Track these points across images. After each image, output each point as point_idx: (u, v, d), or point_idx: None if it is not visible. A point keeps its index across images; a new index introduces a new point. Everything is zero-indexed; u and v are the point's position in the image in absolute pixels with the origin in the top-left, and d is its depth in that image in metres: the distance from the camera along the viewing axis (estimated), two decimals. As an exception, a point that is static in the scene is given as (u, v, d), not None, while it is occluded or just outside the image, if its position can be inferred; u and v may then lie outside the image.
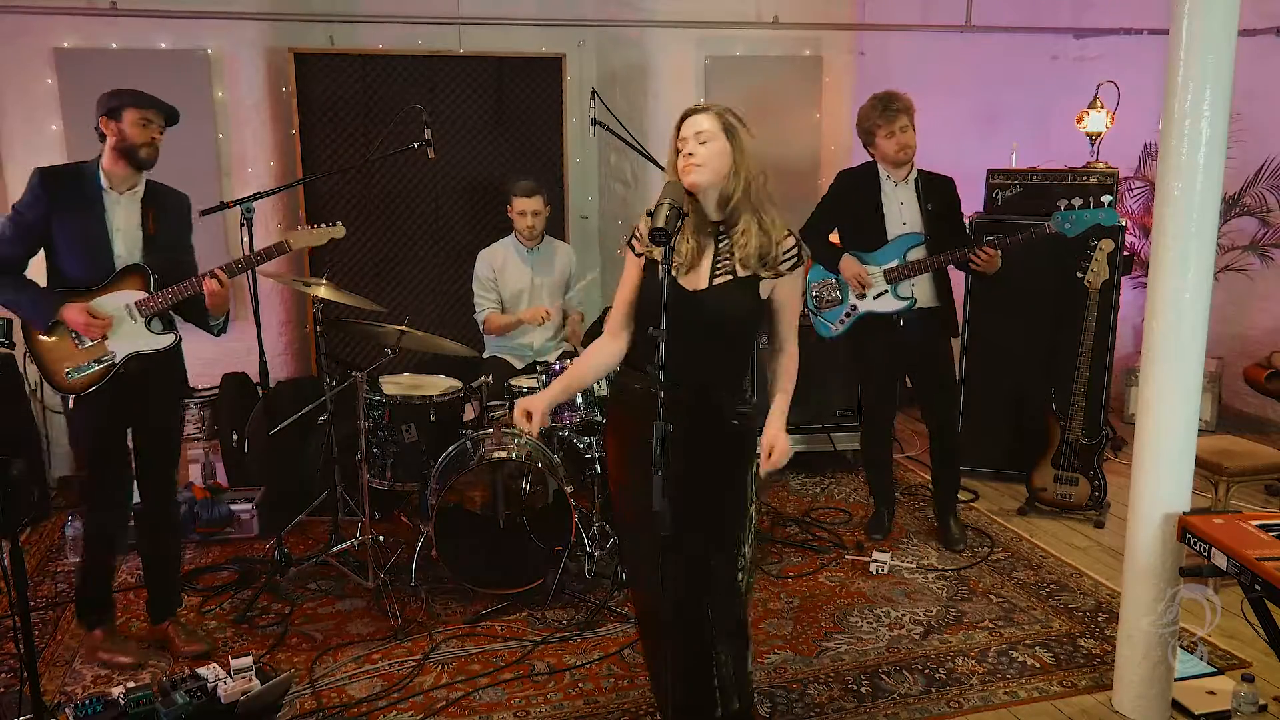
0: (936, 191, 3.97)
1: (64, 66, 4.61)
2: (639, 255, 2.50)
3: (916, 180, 3.96)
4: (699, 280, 2.42)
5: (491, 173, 5.11)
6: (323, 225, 3.49)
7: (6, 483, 2.41)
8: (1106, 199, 3.81)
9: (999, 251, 3.79)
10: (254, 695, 2.81)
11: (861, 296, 4.01)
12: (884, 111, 3.83)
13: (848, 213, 4.05)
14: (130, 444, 3.26)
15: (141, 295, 3.09)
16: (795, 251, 2.43)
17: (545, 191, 4.40)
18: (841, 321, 4.10)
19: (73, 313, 2.99)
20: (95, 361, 3.06)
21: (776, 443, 2.44)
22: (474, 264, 4.48)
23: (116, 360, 3.08)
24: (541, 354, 4.42)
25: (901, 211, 3.95)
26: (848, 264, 3.98)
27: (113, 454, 3.19)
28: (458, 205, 5.13)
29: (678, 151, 2.41)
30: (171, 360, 3.23)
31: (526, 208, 4.34)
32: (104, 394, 3.08)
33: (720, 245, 2.44)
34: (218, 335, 3.28)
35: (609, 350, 2.58)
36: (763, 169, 2.43)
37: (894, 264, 3.94)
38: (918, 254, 3.93)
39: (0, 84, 4.62)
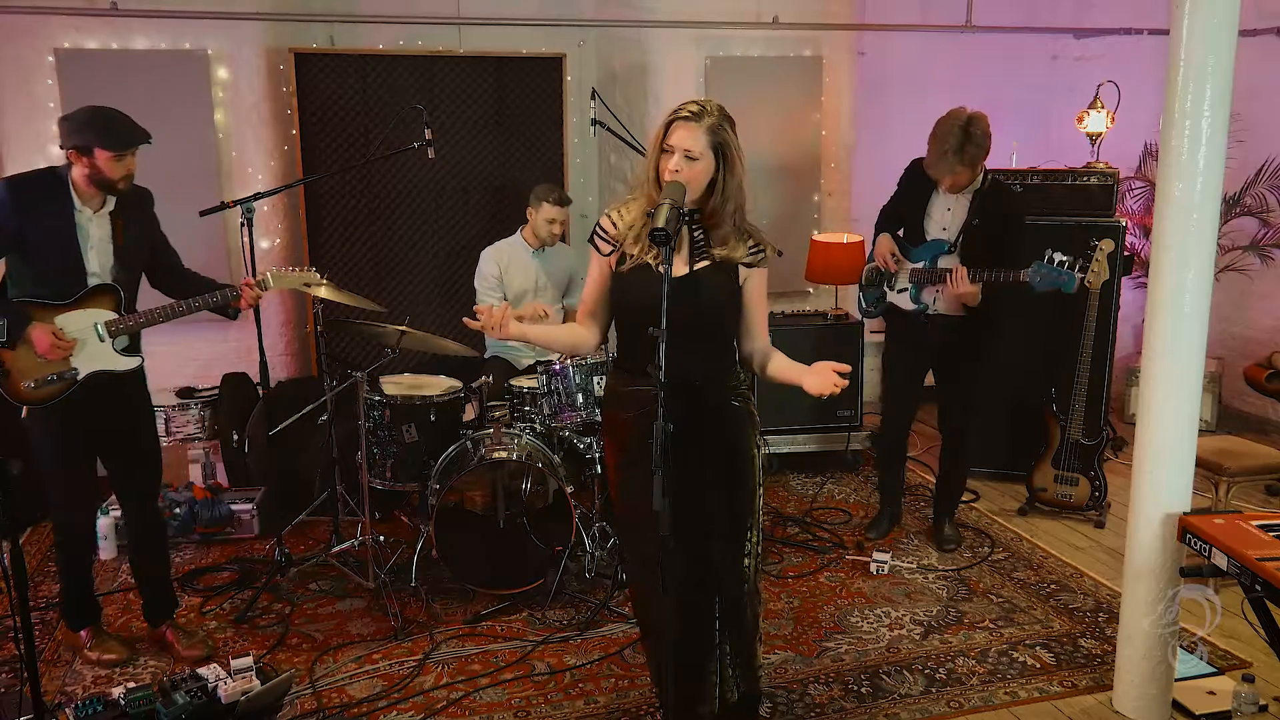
0: (994, 205, 3.85)
1: (64, 66, 4.61)
2: (605, 255, 2.51)
3: (978, 191, 3.87)
4: (679, 267, 2.45)
5: (492, 173, 5.11)
6: (299, 269, 3.46)
7: (6, 482, 2.40)
8: (1079, 263, 3.81)
9: (976, 286, 3.72)
10: (254, 695, 2.81)
11: (890, 286, 4.04)
12: (957, 156, 3.69)
13: (904, 203, 4.06)
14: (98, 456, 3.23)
15: (111, 316, 3.03)
16: (762, 247, 2.48)
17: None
18: (875, 304, 4.14)
19: (39, 333, 2.91)
20: (57, 377, 2.99)
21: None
22: (475, 263, 4.47)
23: (79, 377, 3.02)
24: (543, 354, 4.42)
25: (946, 217, 3.91)
26: (881, 242, 4.01)
27: (74, 461, 3.13)
28: (458, 205, 5.12)
29: (662, 150, 2.40)
30: (134, 381, 3.18)
31: (557, 217, 4.36)
32: (59, 407, 3.02)
33: (695, 234, 2.47)
34: (234, 319, 3.40)
35: (580, 334, 2.61)
36: (743, 183, 2.43)
37: (921, 265, 3.94)
38: (947, 262, 3.87)
39: (0, 84, 4.62)
